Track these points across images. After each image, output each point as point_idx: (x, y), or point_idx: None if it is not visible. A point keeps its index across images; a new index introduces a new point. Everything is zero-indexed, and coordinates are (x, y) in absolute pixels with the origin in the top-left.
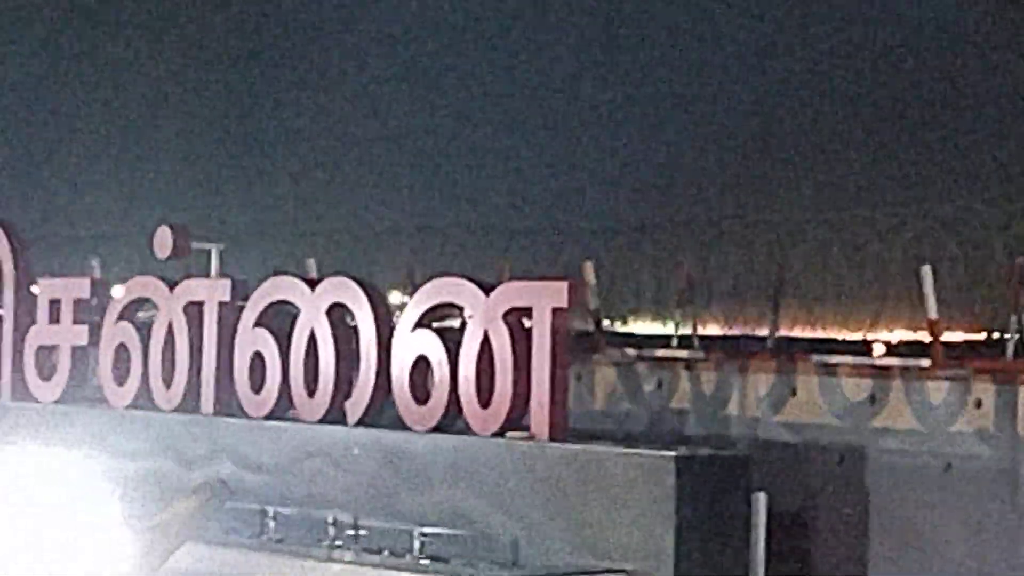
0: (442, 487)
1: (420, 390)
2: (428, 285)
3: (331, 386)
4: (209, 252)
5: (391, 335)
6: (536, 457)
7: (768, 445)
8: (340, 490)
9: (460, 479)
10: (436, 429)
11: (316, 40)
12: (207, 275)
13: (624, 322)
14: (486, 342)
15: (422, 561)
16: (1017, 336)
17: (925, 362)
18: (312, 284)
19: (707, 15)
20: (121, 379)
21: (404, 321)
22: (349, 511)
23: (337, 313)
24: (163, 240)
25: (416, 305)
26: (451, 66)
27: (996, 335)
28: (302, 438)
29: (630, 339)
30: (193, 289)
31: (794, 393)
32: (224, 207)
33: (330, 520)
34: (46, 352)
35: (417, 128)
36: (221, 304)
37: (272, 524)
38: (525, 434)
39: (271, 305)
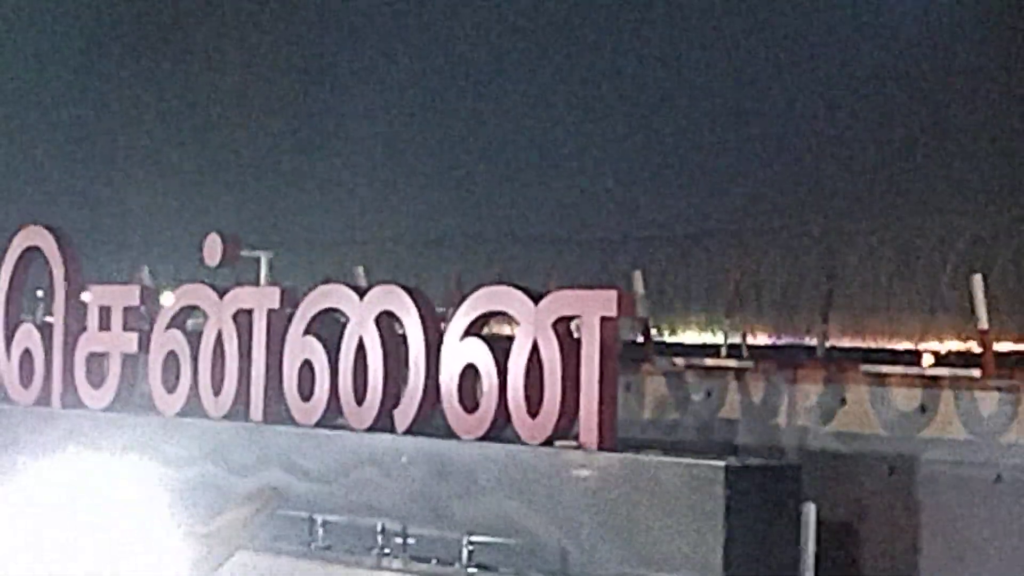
0: (491, 496)
1: (469, 398)
2: (477, 294)
3: (380, 394)
4: (258, 260)
5: (440, 343)
6: (585, 466)
7: (818, 455)
8: (388, 498)
9: (509, 488)
10: (485, 438)
11: (365, 49)
12: (256, 283)
13: (673, 331)
14: (535, 351)
15: (470, 570)
16: None
17: (976, 372)
18: (361, 292)
19: (755, 26)
20: (171, 386)
21: (453, 329)
22: (398, 519)
23: (386, 321)
24: (212, 248)
25: (465, 313)
26: (501, 76)
27: None
28: (351, 446)
29: (679, 348)
30: (242, 297)
31: (844, 403)
32: (273, 215)
33: (378, 528)
34: (96, 359)
35: (466, 136)
36: (270, 312)
37: (320, 532)
38: (574, 443)
39: (320, 313)
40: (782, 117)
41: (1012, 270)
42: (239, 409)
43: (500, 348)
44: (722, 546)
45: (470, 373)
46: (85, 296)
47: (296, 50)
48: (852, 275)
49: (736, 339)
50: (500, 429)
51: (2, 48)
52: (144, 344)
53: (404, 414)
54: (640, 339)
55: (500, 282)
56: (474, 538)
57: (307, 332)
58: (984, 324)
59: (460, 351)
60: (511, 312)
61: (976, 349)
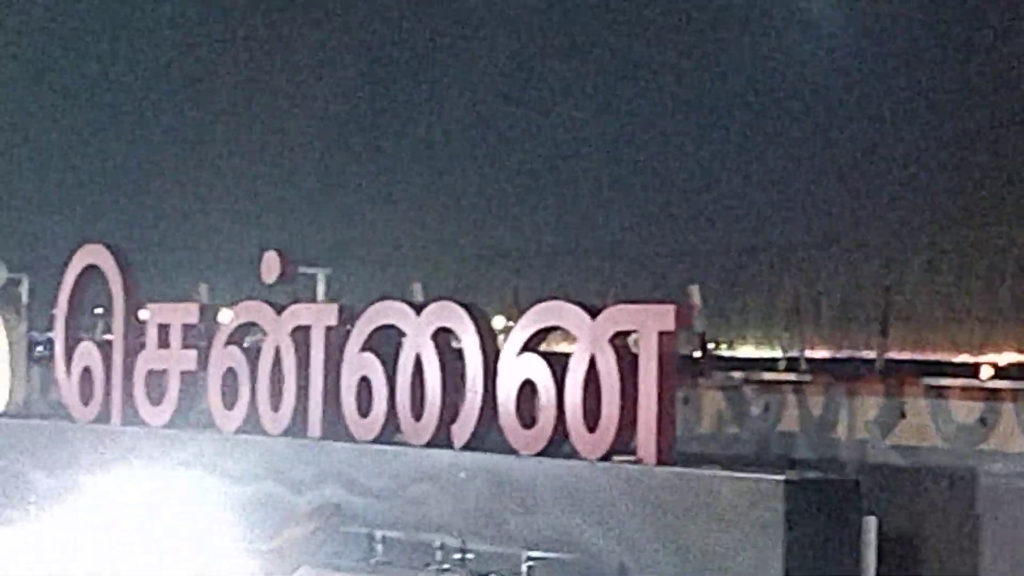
0: (549, 511)
1: (526, 414)
2: (534, 309)
3: (437, 410)
4: (316, 277)
5: (497, 359)
6: (643, 481)
7: (878, 468)
8: (447, 514)
9: (567, 503)
10: (543, 453)
11: (426, 69)
12: (314, 300)
13: (731, 345)
14: (592, 366)
15: None
16: None
17: None
18: (418, 308)
19: (816, 38)
20: (229, 403)
21: (510, 345)
22: (456, 535)
23: (443, 337)
24: (270, 265)
25: (522, 329)
26: (560, 94)
27: None
28: (409, 462)
29: (737, 362)
30: (300, 314)
31: (903, 416)
32: (331, 232)
33: (437, 544)
34: (155, 377)
35: (524, 153)
36: (328, 328)
37: (380, 548)
38: (632, 458)
39: (377, 329)
40: (840, 132)
41: None
42: (297, 426)
43: (557, 363)
44: (782, 561)
45: (527, 388)
46: (144, 314)
47: (357, 71)
48: (910, 288)
49: (794, 352)
50: (558, 444)
51: (65, 72)
52: (203, 361)
53: (462, 430)
54: (698, 353)
55: (557, 297)
56: (533, 553)
57: (364, 348)
58: None
59: (517, 366)
60: (568, 327)
61: None
